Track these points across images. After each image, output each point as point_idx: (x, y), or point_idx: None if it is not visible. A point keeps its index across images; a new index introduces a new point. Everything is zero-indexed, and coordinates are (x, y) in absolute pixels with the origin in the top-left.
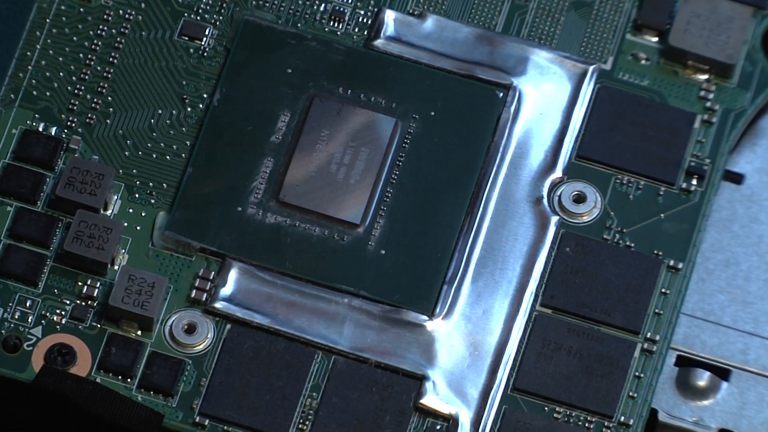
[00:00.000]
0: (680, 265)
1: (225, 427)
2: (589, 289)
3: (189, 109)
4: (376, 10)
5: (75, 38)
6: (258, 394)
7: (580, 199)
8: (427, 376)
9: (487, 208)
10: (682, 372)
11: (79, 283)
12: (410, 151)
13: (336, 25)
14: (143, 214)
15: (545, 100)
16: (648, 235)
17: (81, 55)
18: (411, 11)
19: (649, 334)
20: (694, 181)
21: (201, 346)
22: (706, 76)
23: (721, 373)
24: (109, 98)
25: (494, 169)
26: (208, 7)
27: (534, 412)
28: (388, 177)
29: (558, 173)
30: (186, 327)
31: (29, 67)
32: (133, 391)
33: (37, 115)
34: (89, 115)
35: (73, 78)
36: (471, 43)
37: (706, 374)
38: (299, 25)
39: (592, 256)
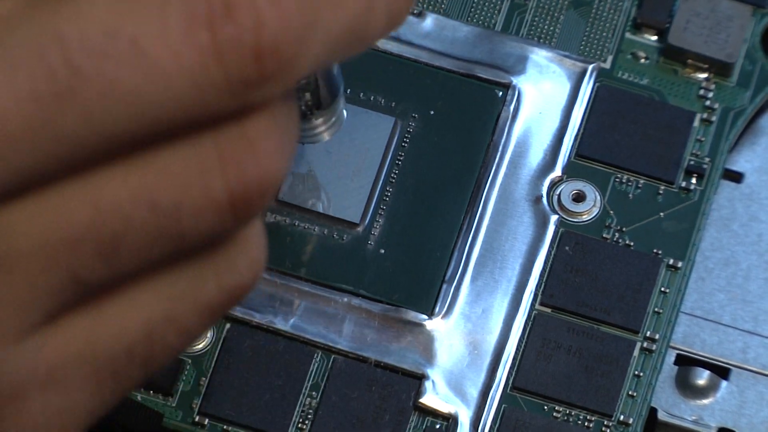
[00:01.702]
0: (680, 264)
1: (224, 427)
2: (588, 288)
3: None
4: None
5: None
6: (257, 394)
7: (579, 198)
8: (426, 375)
9: (487, 207)
10: (681, 371)
11: None
12: (410, 150)
13: None
14: None
15: (545, 98)
16: (647, 233)
17: None
18: (411, 10)
19: (648, 333)
20: (694, 180)
21: (200, 346)
22: (705, 75)
23: (721, 371)
24: None
25: (494, 168)
26: None
27: (534, 411)
28: (388, 176)
29: (557, 172)
30: None
31: None
32: (132, 391)
33: None
34: None
35: None
36: (470, 42)
37: (706, 373)
38: None
39: (591, 255)
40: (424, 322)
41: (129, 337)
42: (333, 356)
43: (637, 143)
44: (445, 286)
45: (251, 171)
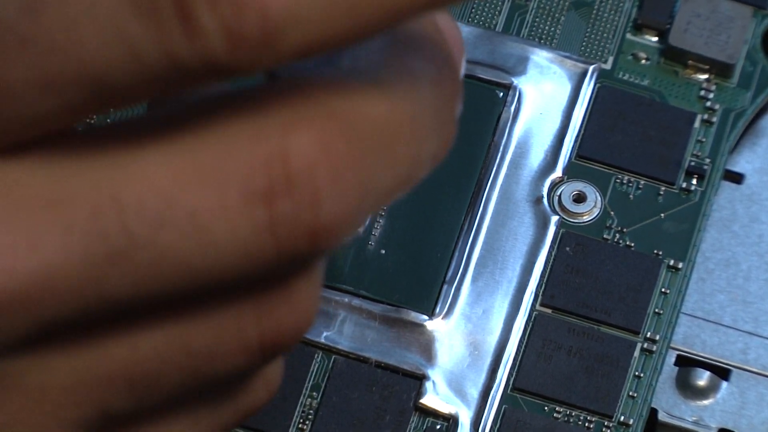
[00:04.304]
0: (680, 265)
1: None
2: (589, 288)
3: None
4: None
5: None
6: None
7: (580, 198)
8: (427, 376)
9: (487, 207)
10: (682, 372)
11: None
12: None
13: None
14: None
15: (545, 99)
16: (648, 234)
17: None
18: None
19: (649, 334)
20: (694, 181)
21: None
22: (706, 76)
23: (721, 372)
24: None
25: (494, 168)
26: None
27: (534, 412)
28: None
29: (558, 173)
30: None
31: None
32: None
33: None
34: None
35: None
36: (471, 42)
37: (706, 374)
38: None
39: (592, 255)
40: (424, 323)
41: None
42: (333, 356)
43: (638, 144)
44: (445, 286)
45: (286, 322)
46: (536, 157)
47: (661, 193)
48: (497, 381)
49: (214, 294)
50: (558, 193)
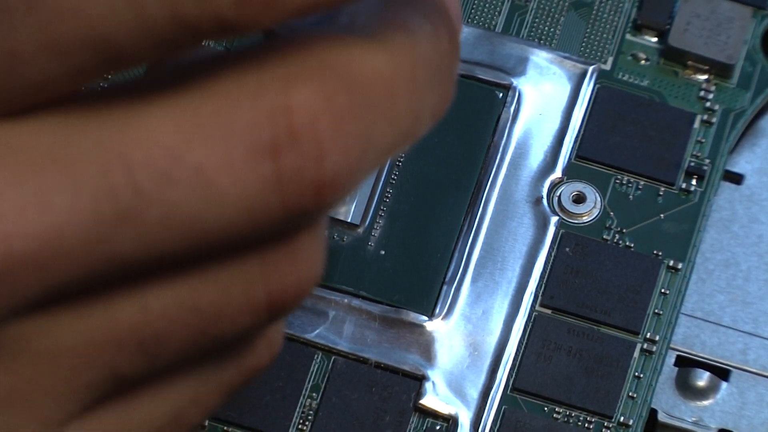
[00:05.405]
0: (680, 266)
1: (225, 427)
2: (588, 289)
3: None
4: None
5: None
6: (258, 394)
7: (579, 199)
8: (426, 377)
9: (487, 208)
10: (681, 372)
11: None
12: (410, 151)
13: None
14: None
15: (545, 100)
16: (648, 235)
17: None
18: None
19: (648, 335)
20: (694, 182)
21: None
22: (705, 77)
23: (721, 373)
24: None
25: (494, 169)
26: None
27: (534, 413)
28: (388, 177)
29: (558, 173)
30: None
31: None
32: None
33: None
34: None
35: None
36: (471, 43)
37: (706, 374)
38: None
39: (591, 256)
40: (424, 323)
41: (159, 421)
42: (333, 357)
43: (638, 144)
44: (445, 287)
45: (291, 279)
46: (536, 157)
47: (661, 193)
48: (497, 381)
49: (222, 252)
50: (558, 194)
